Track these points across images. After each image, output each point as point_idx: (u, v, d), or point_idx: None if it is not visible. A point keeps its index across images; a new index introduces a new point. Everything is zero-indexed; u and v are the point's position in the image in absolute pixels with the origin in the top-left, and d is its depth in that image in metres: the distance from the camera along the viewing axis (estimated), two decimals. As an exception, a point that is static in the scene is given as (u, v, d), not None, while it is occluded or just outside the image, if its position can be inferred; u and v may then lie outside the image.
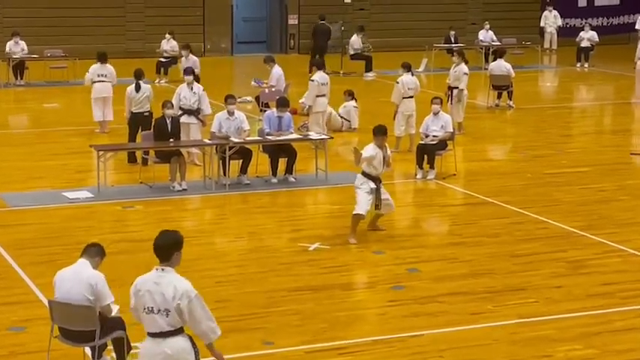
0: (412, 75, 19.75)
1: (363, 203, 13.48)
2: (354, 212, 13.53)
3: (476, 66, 29.84)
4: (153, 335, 7.56)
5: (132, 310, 7.74)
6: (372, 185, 13.52)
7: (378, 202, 13.57)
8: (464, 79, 21.14)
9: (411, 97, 19.54)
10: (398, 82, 19.57)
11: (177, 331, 7.57)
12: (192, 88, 17.74)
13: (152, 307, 7.50)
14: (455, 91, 21.18)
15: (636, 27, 34.92)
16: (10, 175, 17.39)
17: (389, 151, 13.84)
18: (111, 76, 20.92)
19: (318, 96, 19.69)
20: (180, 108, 17.57)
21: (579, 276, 12.34)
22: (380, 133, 13.62)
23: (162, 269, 7.55)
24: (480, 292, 11.65)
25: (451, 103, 21.15)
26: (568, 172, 17.89)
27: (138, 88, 18.32)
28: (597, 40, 32.98)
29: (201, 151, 17.09)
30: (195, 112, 17.63)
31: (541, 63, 33.43)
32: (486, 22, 33.08)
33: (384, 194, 13.70)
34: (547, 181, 17.25)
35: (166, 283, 7.51)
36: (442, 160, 17.61)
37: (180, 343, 7.57)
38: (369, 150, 13.58)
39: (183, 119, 17.45)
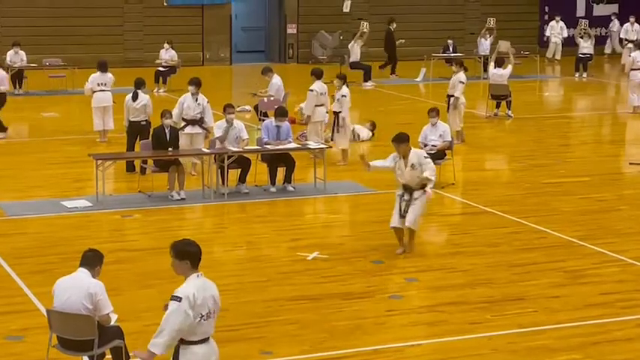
0: (347, 86, 19.49)
1: (394, 214, 13.33)
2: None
3: (475, 75, 29.91)
4: (208, 339, 7.63)
5: (187, 325, 7.42)
6: (399, 192, 13.39)
7: (405, 209, 13.25)
8: (459, 87, 21.09)
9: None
10: (345, 96, 19.07)
11: None
12: (196, 99, 17.68)
13: (210, 312, 7.58)
14: (451, 99, 21.18)
15: (621, 36, 35.16)
16: (9, 183, 17.38)
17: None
18: (111, 84, 20.94)
19: (316, 105, 19.69)
20: (183, 119, 17.53)
21: (578, 286, 12.33)
22: (396, 141, 13.31)
23: (201, 274, 7.67)
24: (479, 302, 11.64)
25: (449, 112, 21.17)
26: (567, 182, 17.89)
27: (135, 97, 18.32)
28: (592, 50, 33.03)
29: (200, 160, 17.08)
30: (198, 122, 17.59)
31: (539, 73, 33.42)
32: (485, 32, 33.10)
33: (413, 207, 13.23)
34: (546, 190, 17.25)
35: (211, 287, 7.70)
36: (441, 170, 17.59)
37: None
38: (388, 160, 13.49)
39: (188, 130, 17.43)
